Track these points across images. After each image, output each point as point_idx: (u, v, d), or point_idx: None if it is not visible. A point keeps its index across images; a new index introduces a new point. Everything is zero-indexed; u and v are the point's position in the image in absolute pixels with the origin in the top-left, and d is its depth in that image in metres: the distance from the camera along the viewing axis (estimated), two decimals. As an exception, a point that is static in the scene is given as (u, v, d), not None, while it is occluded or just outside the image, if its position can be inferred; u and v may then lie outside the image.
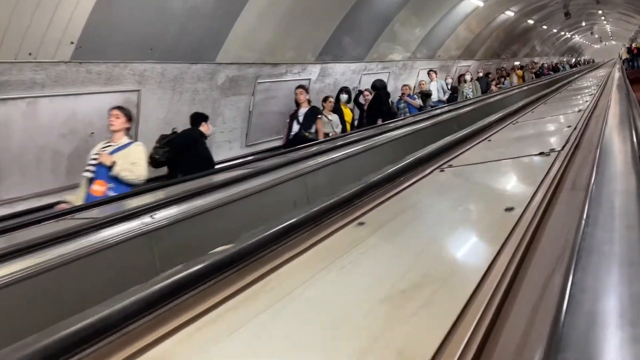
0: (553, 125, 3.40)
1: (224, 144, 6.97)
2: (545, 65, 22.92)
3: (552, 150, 2.02)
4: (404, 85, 10.23)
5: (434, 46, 13.53)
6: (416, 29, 11.55)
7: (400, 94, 10.09)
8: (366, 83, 10.61)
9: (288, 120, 7.04)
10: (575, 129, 2.63)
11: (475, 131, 3.25)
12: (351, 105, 8.83)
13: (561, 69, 24.45)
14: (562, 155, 1.92)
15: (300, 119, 6.85)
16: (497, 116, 4.31)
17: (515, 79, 14.19)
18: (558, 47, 34.94)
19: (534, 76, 15.79)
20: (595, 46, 50.96)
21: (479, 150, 2.67)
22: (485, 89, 11.77)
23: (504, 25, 17.58)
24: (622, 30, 37.07)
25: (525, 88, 9.67)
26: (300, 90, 7.06)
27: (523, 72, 14.18)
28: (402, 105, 9.85)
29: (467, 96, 10.63)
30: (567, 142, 2.19)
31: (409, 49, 11.99)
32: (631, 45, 30.77)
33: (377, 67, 10.94)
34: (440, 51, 14.02)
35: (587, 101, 4.57)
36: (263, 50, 7.02)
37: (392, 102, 9.41)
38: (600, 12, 26.10)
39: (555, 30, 27.05)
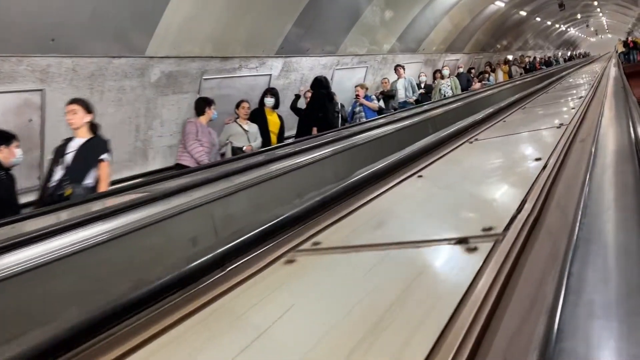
0: (512, 158, 2.52)
1: (164, 150, 6.10)
2: (538, 59, 21.89)
3: (487, 234, 1.18)
4: (357, 86, 8.63)
5: (417, 39, 12.64)
6: (394, 20, 10.65)
7: (355, 95, 8.53)
8: (340, 79, 9.75)
9: (52, 159, 3.79)
10: (545, 167, 1.78)
11: (400, 162, 2.41)
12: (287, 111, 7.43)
13: (554, 63, 23.49)
14: (499, 251, 1.07)
15: (69, 158, 3.65)
16: (442, 135, 3.45)
17: (500, 75, 13.08)
18: (553, 40, 34.14)
19: (522, 71, 14.75)
20: (591, 39, 50.50)
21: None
22: (466, 87, 10.76)
23: (494, 17, 16.69)
24: (618, 22, 36.29)
25: (506, 87, 8.76)
26: (72, 107, 3.80)
27: (510, 68, 13.05)
28: (357, 109, 8.35)
29: (445, 94, 9.62)
30: (516, 216, 1.30)
31: (388, 41, 11.10)
32: (627, 38, 29.94)
33: (352, 61, 10.06)
34: (425, 44, 13.14)
35: (573, 109, 3.73)
36: (208, 42, 6.13)
37: (342, 106, 7.89)
38: (595, 3, 25.24)
39: (549, 23, 26.17)
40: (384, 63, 11.62)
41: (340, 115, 7.43)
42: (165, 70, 5.70)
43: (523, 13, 18.65)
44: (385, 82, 9.54)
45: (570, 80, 7.12)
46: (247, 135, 6.09)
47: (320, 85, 7.07)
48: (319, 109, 6.84)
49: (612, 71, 7.70)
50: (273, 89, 7.06)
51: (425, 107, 6.77)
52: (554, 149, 2.15)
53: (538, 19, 22.06)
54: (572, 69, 11.71)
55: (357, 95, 8.43)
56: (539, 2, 19.30)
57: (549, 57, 24.52)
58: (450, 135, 3.47)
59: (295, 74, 8.29)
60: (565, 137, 2.42)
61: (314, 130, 6.44)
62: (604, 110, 3.26)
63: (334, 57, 9.33)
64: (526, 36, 24.36)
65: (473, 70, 12.80)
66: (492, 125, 3.70)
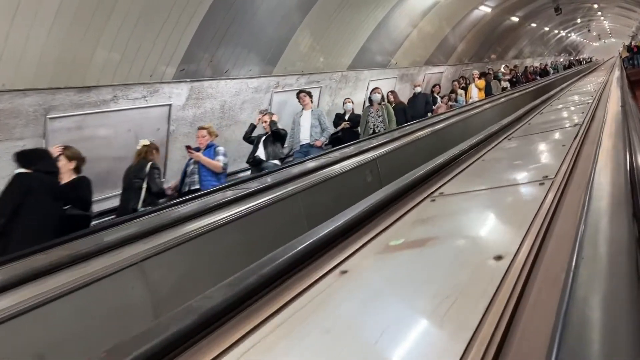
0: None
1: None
2: (531, 67, 19.87)
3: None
4: (201, 129, 5.25)
5: (386, 52, 10.94)
6: (351, 31, 8.95)
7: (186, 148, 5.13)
8: (280, 103, 8.06)
9: None
10: (509, 267, 1.07)
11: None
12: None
13: (551, 71, 21.58)
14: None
15: None
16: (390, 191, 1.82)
17: (475, 93, 10.70)
18: (552, 46, 32.41)
19: (507, 85, 12.68)
20: (594, 44, 49.14)
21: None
22: (424, 112, 8.85)
23: (481, 24, 14.99)
24: (621, 26, 34.59)
25: (466, 115, 6.80)
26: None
27: (487, 82, 10.89)
28: (191, 167, 4.97)
29: (375, 129, 7.29)
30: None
31: (346, 55, 9.41)
32: (631, 43, 28.16)
33: (298, 81, 8.37)
34: (397, 58, 11.44)
35: (563, 146, 2.36)
36: (50, 67, 4.46)
37: (156, 172, 4.61)
38: (596, 6, 23.50)
39: (546, 29, 24.44)
40: (344, 81, 9.92)
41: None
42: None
43: (514, 19, 16.95)
44: (264, 118, 6.09)
45: (560, 105, 5.39)
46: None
47: (25, 161, 3.58)
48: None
49: (614, 92, 5.96)
50: None
51: (363, 146, 5.03)
52: (528, 231, 1.28)
53: (533, 24, 20.33)
54: (566, 83, 9.82)
55: (188, 149, 5.00)
56: (531, 7, 17.59)
57: (545, 66, 22.49)
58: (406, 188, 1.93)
59: (211, 102, 6.60)
60: (547, 204, 1.49)
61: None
62: (598, 155, 2.06)
63: (271, 78, 7.64)
64: (522, 43, 22.63)
65: (437, 88, 10.71)
66: (456, 176, 2.18)
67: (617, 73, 8.69)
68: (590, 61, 36.72)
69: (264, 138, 6.03)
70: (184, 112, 6.22)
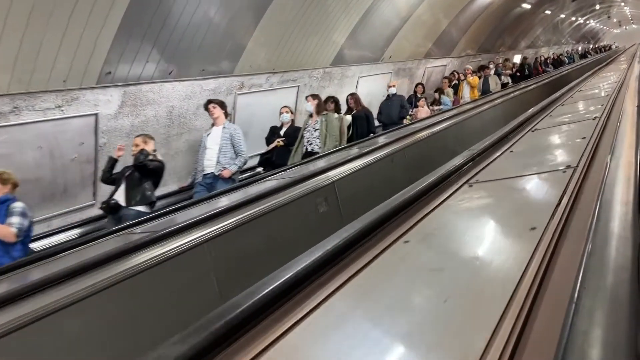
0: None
1: None
2: (542, 58, 18.30)
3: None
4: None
5: (377, 46, 9.85)
6: (329, 22, 7.90)
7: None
8: (248, 109, 7.07)
9: None
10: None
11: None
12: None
13: (566, 61, 20.05)
14: None
15: None
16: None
17: (467, 92, 9.27)
18: (570, 34, 30.82)
19: (509, 81, 11.29)
20: (615, 31, 47.83)
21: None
22: (398, 119, 7.42)
23: (488, 12, 13.77)
24: (643, 12, 32.81)
25: (446, 123, 5.53)
26: None
27: (484, 78, 9.54)
28: None
29: (309, 148, 5.81)
30: None
31: (327, 50, 8.37)
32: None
33: (269, 81, 7.37)
34: (391, 51, 10.34)
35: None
36: None
37: None
38: (616, -9, 21.98)
39: (562, 16, 22.96)
40: (328, 79, 8.88)
41: None
42: None
43: (526, 6, 15.65)
44: (132, 148, 4.60)
45: (568, 108, 4.42)
46: None
47: None
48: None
49: (632, 90, 4.90)
50: None
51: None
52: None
53: (548, 12, 18.95)
54: (577, 81, 8.57)
55: None
56: (545, -8, 16.31)
57: (559, 56, 20.89)
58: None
59: (154, 108, 5.64)
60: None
61: None
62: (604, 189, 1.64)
63: (233, 78, 6.65)
64: (536, 32, 21.23)
65: (420, 88, 9.19)
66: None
67: (637, 70, 7.47)
68: (609, 49, 35.01)
69: (127, 174, 4.44)
70: (117, 121, 5.27)
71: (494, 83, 9.56)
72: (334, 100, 6.41)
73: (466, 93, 9.00)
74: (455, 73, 10.58)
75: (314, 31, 7.70)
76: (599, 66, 13.46)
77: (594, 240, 1.06)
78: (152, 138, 4.64)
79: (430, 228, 1.58)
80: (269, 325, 1.10)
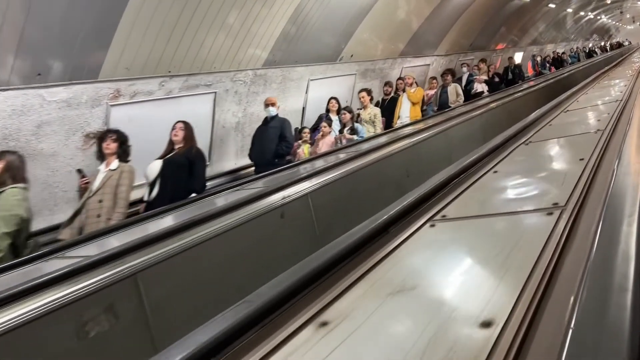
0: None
1: None
2: (540, 57, 16.08)
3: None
4: None
5: (331, 43, 8.03)
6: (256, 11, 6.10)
7: None
8: (127, 120, 5.30)
9: None
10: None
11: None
12: None
13: (569, 61, 17.91)
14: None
15: None
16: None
17: (406, 110, 6.77)
18: (579, 30, 28.77)
19: (485, 89, 9.04)
20: (628, 27, 46.24)
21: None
22: (273, 157, 5.29)
23: (478, 3, 11.90)
24: (659, 8, 30.76)
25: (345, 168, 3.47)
26: None
27: (443, 88, 7.25)
28: None
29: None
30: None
31: (258, 46, 6.58)
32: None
33: (165, 86, 5.60)
34: (352, 48, 8.51)
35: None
36: None
37: None
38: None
39: (569, 10, 20.97)
40: (263, 83, 7.08)
41: None
42: None
43: (525, -1, 13.76)
44: None
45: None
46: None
47: None
48: None
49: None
50: None
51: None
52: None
53: (552, 5, 16.99)
54: (575, 89, 6.58)
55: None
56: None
57: (560, 54, 18.68)
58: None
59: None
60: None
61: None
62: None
63: (100, 85, 4.90)
64: (539, 27, 19.27)
65: (333, 102, 6.58)
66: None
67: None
68: (620, 46, 32.89)
69: None
70: None
71: (453, 95, 7.48)
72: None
73: (405, 112, 6.85)
74: (391, 83, 8.11)
75: (233, 22, 5.93)
76: (608, 67, 11.58)
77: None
78: None
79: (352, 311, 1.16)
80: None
